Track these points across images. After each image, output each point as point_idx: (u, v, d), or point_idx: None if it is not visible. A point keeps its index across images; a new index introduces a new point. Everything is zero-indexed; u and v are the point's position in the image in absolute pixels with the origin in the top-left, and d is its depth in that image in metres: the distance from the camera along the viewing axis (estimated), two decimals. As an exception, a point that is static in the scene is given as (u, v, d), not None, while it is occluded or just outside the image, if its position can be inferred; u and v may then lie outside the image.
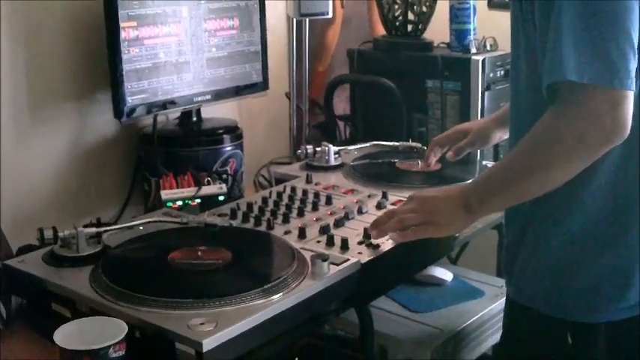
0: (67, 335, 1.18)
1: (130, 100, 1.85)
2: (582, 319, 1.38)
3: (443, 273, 2.09)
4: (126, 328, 1.20)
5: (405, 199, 1.58)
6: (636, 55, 1.22)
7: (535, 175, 1.31)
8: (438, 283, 2.07)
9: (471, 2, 2.36)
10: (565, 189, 1.31)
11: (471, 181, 1.53)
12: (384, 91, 2.37)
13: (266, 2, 2.19)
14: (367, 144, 2.22)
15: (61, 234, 1.49)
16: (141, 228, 1.61)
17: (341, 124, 2.62)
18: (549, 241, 1.40)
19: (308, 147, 2.13)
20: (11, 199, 1.82)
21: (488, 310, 1.92)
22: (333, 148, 2.10)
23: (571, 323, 1.40)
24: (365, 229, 1.58)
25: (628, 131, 1.22)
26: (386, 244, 1.55)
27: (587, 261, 1.37)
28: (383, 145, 2.22)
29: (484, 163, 2.12)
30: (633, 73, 1.21)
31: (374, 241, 1.55)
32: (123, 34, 1.81)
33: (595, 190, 1.33)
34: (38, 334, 1.40)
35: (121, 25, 1.80)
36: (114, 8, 1.79)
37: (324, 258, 1.42)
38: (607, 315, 1.37)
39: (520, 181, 1.34)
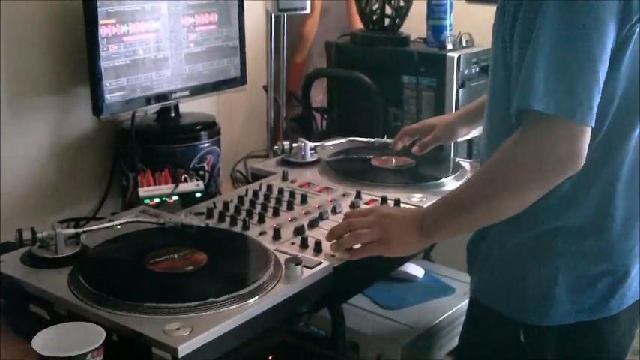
0: (45, 341, 1.20)
1: (109, 97, 1.86)
2: (534, 321, 1.43)
3: (415, 269, 2.14)
4: (104, 334, 1.22)
5: (368, 207, 1.61)
6: (600, 93, 1.27)
7: (490, 201, 1.35)
8: (410, 279, 2.12)
9: (448, -1, 2.39)
10: None
11: (430, 203, 1.55)
12: (361, 85, 2.40)
13: (244, -3, 2.20)
14: (343, 140, 2.25)
15: (39, 234, 1.51)
16: (119, 227, 1.63)
17: (318, 116, 2.64)
18: (507, 243, 1.46)
19: (284, 143, 2.15)
20: (-11, 192, 1.84)
21: (458, 307, 1.98)
22: (309, 145, 2.13)
23: (523, 324, 1.45)
24: (338, 231, 1.62)
25: (582, 163, 1.28)
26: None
27: (540, 264, 1.42)
28: (359, 141, 2.25)
29: (457, 160, 2.15)
30: (595, 110, 1.27)
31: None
32: (102, 32, 1.82)
33: (555, 197, 1.37)
34: (16, 334, 1.43)
35: (100, 22, 1.81)
36: (93, 5, 1.79)
37: (298, 262, 1.45)
38: (558, 318, 1.42)
39: (476, 207, 1.38)
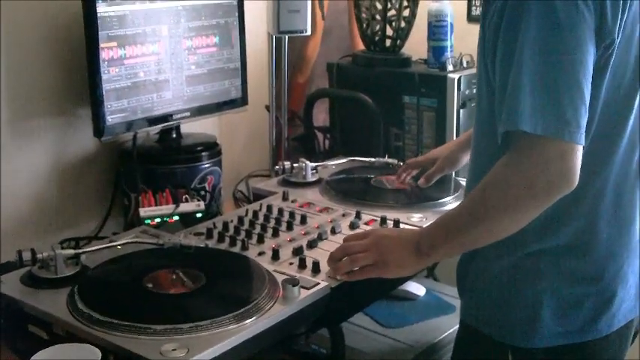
0: (42, 362, 1.22)
1: (110, 119, 1.88)
2: (521, 343, 1.43)
3: (416, 288, 2.14)
4: (99, 356, 1.23)
5: (365, 230, 1.62)
6: (587, 111, 1.28)
7: (484, 223, 1.35)
8: (411, 297, 2.12)
9: (448, 20, 2.40)
10: None
11: (427, 224, 1.56)
12: (362, 106, 2.41)
13: (246, 19, 2.22)
14: (344, 159, 2.26)
15: (39, 255, 1.52)
16: (119, 247, 1.64)
17: (320, 135, 2.66)
18: (492, 265, 1.46)
19: (285, 163, 2.16)
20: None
21: (458, 327, 1.97)
22: (310, 165, 2.14)
23: (511, 346, 1.44)
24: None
25: (575, 182, 1.28)
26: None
27: (525, 286, 1.42)
28: (360, 160, 2.26)
29: (458, 180, 2.15)
30: (584, 129, 1.27)
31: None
32: (103, 55, 1.84)
33: (538, 218, 1.35)
34: (15, 354, 1.44)
35: (101, 45, 1.83)
36: (94, 29, 1.82)
37: (295, 283, 1.46)
38: (545, 341, 1.42)
39: (469, 228, 1.38)
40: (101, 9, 1.81)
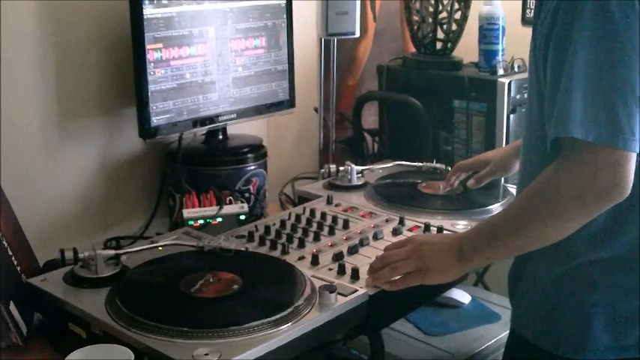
0: (76, 363, 1.23)
1: (155, 120, 1.89)
2: (572, 355, 1.39)
3: (460, 295, 2.11)
4: (132, 357, 1.24)
5: (404, 238, 1.59)
6: None
7: (530, 229, 1.32)
8: (455, 305, 2.08)
9: (500, 23, 2.35)
10: None
11: (468, 229, 1.53)
12: (411, 109, 2.39)
13: (295, 20, 2.21)
14: (390, 163, 2.23)
15: (81, 255, 1.54)
16: (160, 249, 1.65)
17: (369, 138, 2.63)
18: (543, 276, 1.42)
19: (331, 166, 2.15)
20: (39, 211, 1.88)
21: (502, 336, 1.93)
22: (356, 168, 2.13)
23: (562, 358, 1.40)
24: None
25: (627, 192, 1.23)
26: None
27: (576, 299, 1.38)
28: (407, 165, 2.24)
29: (506, 186, 2.11)
30: (638, 136, 1.22)
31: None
32: (149, 56, 1.85)
33: (590, 228, 1.32)
34: (55, 351, 1.46)
35: (147, 47, 1.84)
36: (140, 30, 1.83)
37: (332, 289, 1.44)
38: (597, 354, 1.37)
39: (515, 234, 1.35)
40: (147, 11, 1.82)
